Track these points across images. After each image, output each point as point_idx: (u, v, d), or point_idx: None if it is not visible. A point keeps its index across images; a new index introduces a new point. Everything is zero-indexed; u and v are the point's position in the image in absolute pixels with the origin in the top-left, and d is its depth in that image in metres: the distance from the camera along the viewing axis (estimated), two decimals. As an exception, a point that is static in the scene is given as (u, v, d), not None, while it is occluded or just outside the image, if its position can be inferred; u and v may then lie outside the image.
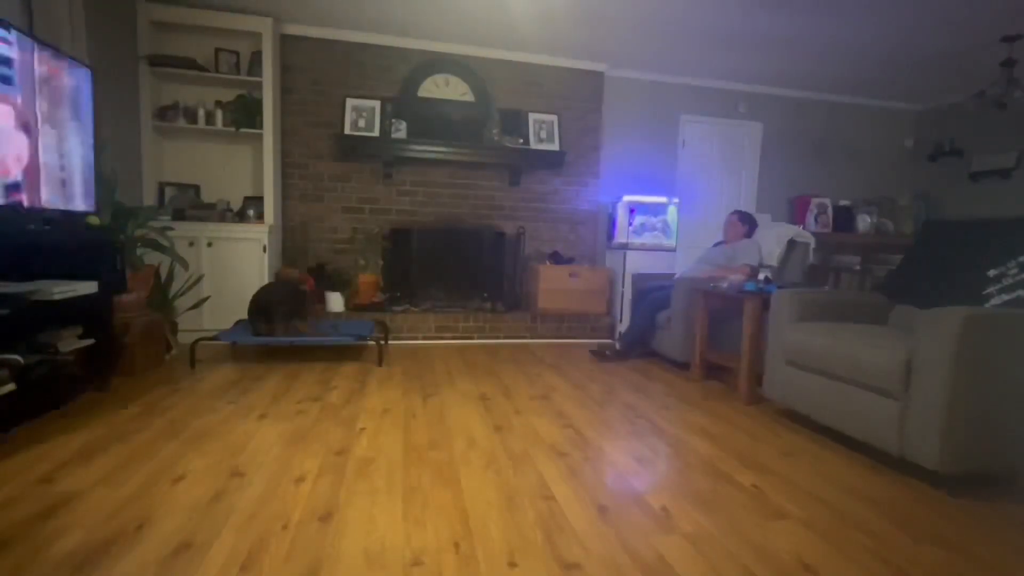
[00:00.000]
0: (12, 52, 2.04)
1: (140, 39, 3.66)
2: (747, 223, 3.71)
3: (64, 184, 2.39)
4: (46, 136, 2.25)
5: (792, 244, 3.53)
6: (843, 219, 5.29)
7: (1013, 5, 3.31)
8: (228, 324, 3.62)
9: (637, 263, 4.35)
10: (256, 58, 3.93)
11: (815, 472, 1.95)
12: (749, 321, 2.77)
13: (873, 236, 5.27)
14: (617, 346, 3.75)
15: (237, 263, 3.79)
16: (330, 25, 4.10)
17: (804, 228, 4.61)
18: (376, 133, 4.21)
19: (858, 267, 5.08)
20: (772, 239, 3.57)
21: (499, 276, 4.61)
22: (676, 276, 4.15)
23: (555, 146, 4.55)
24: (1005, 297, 2.11)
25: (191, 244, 3.66)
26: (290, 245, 4.23)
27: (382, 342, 3.46)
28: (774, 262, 3.52)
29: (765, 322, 2.73)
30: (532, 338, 4.30)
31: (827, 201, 5.25)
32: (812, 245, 3.58)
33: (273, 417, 2.29)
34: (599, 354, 3.71)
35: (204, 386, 2.72)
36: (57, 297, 2.14)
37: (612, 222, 4.64)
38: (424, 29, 4.09)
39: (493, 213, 4.61)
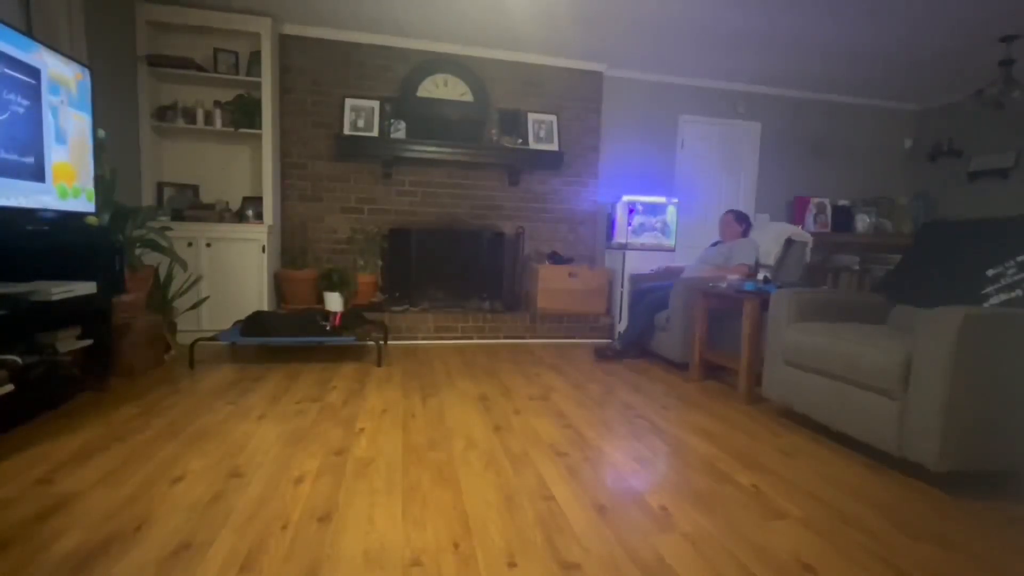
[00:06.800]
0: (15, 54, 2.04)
1: (139, 39, 3.66)
2: (743, 222, 3.72)
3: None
4: (48, 135, 2.25)
5: (790, 243, 3.53)
6: (842, 219, 5.29)
7: (1011, 5, 3.31)
8: (227, 324, 3.62)
9: (636, 263, 4.35)
10: (255, 58, 3.93)
11: (814, 472, 1.95)
12: (748, 321, 2.77)
13: (872, 236, 5.27)
14: (617, 346, 3.75)
15: (236, 263, 3.79)
16: (329, 25, 4.10)
17: (803, 228, 4.61)
18: (375, 133, 4.21)
19: (857, 267, 5.08)
20: (770, 238, 3.57)
21: (498, 276, 4.61)
22: (665, 268, 4.16)
23: (554, 146, 4.55)
24: (1003, 296, 2.11)
25: (190, 244, 3.65)
26: (289, 245, 4.23)
27: (381, 342, 3.45)
28: (771, 261, 3.52)
29: (764, 322, 2.73)
30: (531, 338, 4.30)
31: (826, 201, 5.26)
32: (810, 244, 3.58)
33: (272, 417, 2.29)
34: (601, 352, 3.72)
35: (203, 386, 2.71)
36: (56, 298, 2.13)
37: (611, 222, 4.64)
38: (423, 29, 4.09)
39: (492, 213, 4.61)
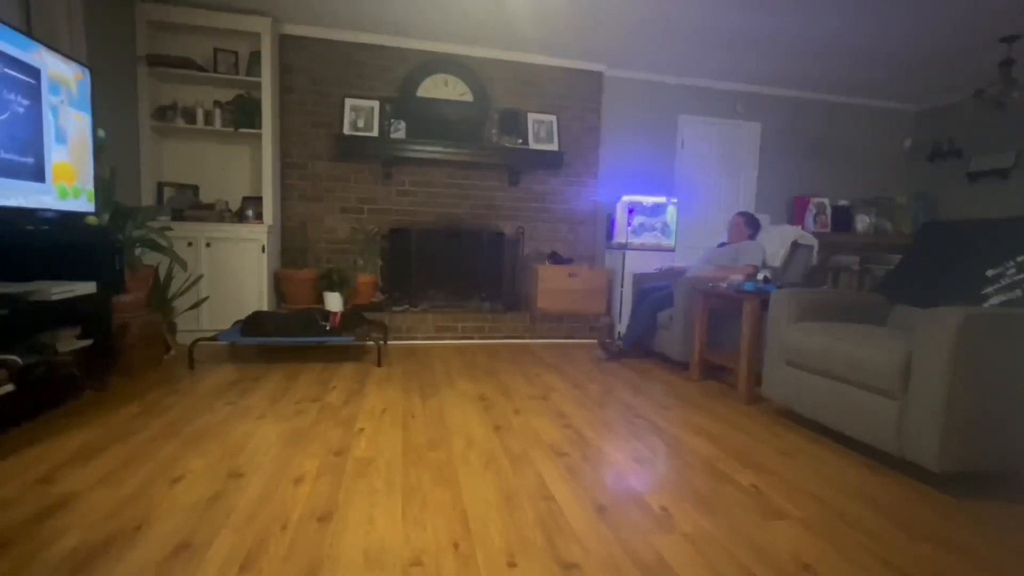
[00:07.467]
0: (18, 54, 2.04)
1: (138, 39, 3.66)
2: (752, 226, 3.72)
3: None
4: (48, 135, 2.25)
5: (796, 246, 3.53)
6: (842, 219, 5.30)
7: (1011, 5, 3.31)
8: (227, 324, 3.62)
9: (636, 263, 4.35)
10: (255, 58, 3.92)
11: (814, 472, 1.95)
12: (748, 321, 2.77)
13: (872, 236, 5.27)
14: (624, 346, 3.75)
15: (236, 263, 3.79)
16: (329, 25, 4.10)
17: (803, 228, 4.61)
18: (375, 133, 4.21)
19: (857, 267, 5.09)
20: (776, 241, 3.57)
21: (498, 276, 4.61)
22: (669, 268, 4.17)
23: (554, 146, 4.55)
24: (1003, 297, 2.11)
25: (190, 244, 3.65)
26: (289, 245, 4.23)
27: (381, 342, 3.45)
28: (777, 263, 3.52)
29: (764, 322, 2.73)
30: (531, 338, 4.30)
31: (826, 201, 5.26)
32: (816, 248, 3.58)
33: (272, 417, 2.29)
34: (605, 345, 3.72)
35: (203, 386, 2.71)
36: (55, 297, 2.13)
37: (611, 222, 4.64)
38: (423, 29, 4.09)
39: (492, 213, 4.61)
